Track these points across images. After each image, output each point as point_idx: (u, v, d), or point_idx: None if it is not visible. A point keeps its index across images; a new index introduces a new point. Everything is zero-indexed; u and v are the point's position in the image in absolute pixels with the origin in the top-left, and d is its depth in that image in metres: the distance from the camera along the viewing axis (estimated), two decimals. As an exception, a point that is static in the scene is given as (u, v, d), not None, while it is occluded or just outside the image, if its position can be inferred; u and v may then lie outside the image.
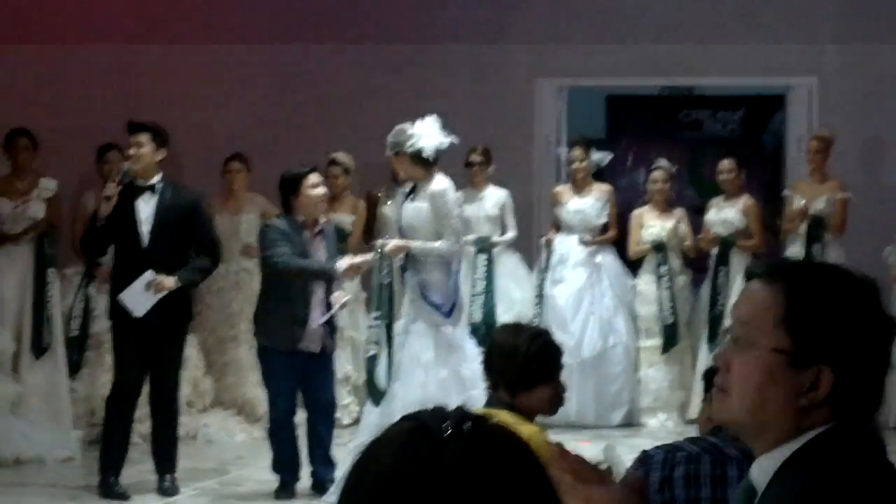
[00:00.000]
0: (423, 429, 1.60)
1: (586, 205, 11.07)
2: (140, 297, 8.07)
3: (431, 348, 7.70)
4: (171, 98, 12.46)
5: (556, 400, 4.54)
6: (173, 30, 12.83)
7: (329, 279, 8.11)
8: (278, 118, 12.55)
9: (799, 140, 12.14)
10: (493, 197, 11.05)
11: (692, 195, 14.23)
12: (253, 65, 12.75)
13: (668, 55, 12.45)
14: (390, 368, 7.73)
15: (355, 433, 8.41)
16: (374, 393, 7.72)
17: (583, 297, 10.91)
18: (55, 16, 12.88)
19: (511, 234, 11.04)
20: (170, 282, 8.09)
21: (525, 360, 4.41)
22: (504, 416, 4.28)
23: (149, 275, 8.05)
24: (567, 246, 11.03)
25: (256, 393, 10.05)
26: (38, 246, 9.65)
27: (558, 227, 11.20)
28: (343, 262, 8.06)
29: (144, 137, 8.27)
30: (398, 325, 7.89)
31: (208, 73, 12.75)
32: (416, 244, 7.74)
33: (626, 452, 6.37)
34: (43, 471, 8.99)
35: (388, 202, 10.46)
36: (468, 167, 10.86)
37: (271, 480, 8.27)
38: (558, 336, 10.61)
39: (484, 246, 10.55)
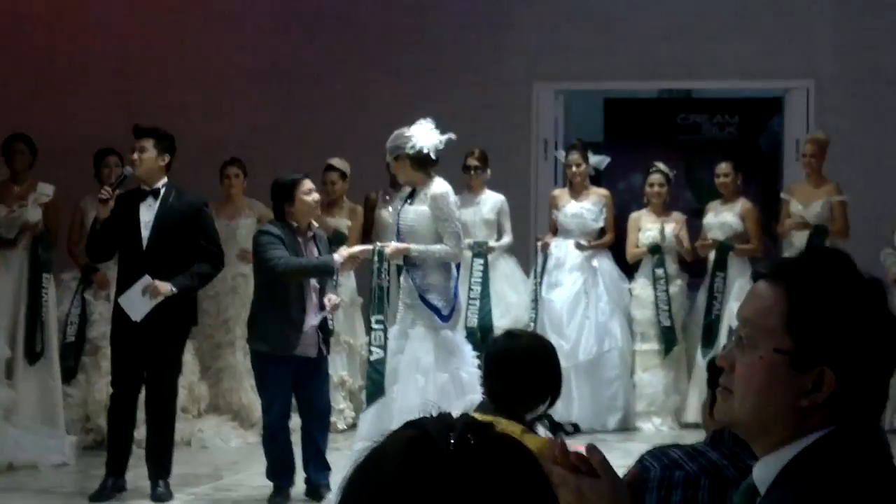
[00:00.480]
0: (426, 437, 1.59)
1: (584, 209, 11.05)
2: (138, 302, 8.05)
3: (431, 352, 7.68)
4: (169, 103, 12.46)
5: (553, 401, 4.52)
6: (172, 35, 12.82)
7: (330, 273, 8.10)
8: (276, 123, 12.55)
9: (796, 143, 12.13)
10: (490, 201, 11.02)
11: (690, 199, 14.22)
12: (251, 70, 12.74)
13: (665, 58, 12.44)
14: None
15: (350, 438, 8.39)
16: (375, 395, 7.68)
17: (579, 301, 10.90)
18: (54, 21, 12.88)
19: (507, 238, 11.01)
20: (165, 287, 8.05)
21: (527, 371, 4.37)
22: (505, 425, 4.28)
23: (145, 279, 8.03)
24: (564, 250, 11.01)
25: (251, 398, 10.03)
26: (33, 251, 9.62)
27: (555, 230, 11.18)
28: (341, 254, 8.01)
29: (148, 142, 8.27)
30: (393, 330, 7.88)
31: (207, 78, 12.74)
32: (416, 247, 7.72)
33: (620, 457, 6.38)
34: (37, 477, 8.97)
35: (388, 207, 10.45)
36: (465, 171, 10.83)
37: (266, 486, 8.24)
38: (554, 340, 10.67)
39: (480, 251, 10.52)
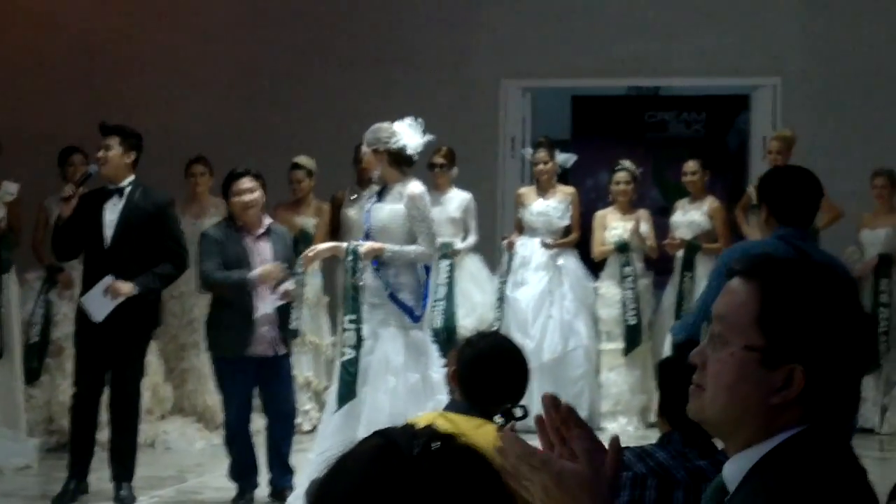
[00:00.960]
0: (392, 446, 1.61)
1: (550, 207, 11.03)
2: (99, 302, 7.98)
3: (402, 352, 7.63)
4: (134, 101, 12.39)
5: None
6: (137, 33, 12.75)
7: (245, 288, 7.98)
8: (242, 121, 12.50)
9: (763, 140, 12.14)
10: (457, 199, 10.99)
11: (657, 196, 14.23)
12: (217, 67, 12.68)
13: (633, 56, 12.45)
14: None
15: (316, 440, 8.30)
16: (347, 396, 7.61)
17: (544, 299, 10.88)
18: (15, 16, 12.79)
19: (472, 239, 10.99)
20: (126, 287, 7.99)
21: (503, 372, 4.49)
22: (478, 424, 4.36)
23: (107, 279, 7.96)
24: (529, 248, 10.99)
25: (216, 400, 9.94)
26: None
27: (521, 229, 11.15)
28: (256, 271, 7.92)
29: (114, 140, 8.21)
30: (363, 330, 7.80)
31: (171, 76, 12.68)
32: (391, 247, 7.66)
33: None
34: (-1, 479, 8.90)
35: (354, 205, 10.39)
36: (431, 169, 10.78)
37: (230, 488, 8.20)
38: (519, 339, 10.66)
39: (447, 252, 10.48)
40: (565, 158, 11.20)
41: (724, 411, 2.19)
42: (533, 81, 12.90)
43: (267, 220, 8.15)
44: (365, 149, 7.82)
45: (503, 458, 2.14)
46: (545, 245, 10.94)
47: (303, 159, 11.02)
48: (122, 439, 8.21)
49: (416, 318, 7.73)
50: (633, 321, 10.81)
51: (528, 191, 11.30)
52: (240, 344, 7.93)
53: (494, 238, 11.52)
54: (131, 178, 8.24)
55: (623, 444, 3.89)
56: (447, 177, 11.01)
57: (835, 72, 12.29)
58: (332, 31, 12.68)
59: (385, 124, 7.79)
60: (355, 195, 10.63)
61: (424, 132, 7.80)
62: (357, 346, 7.62)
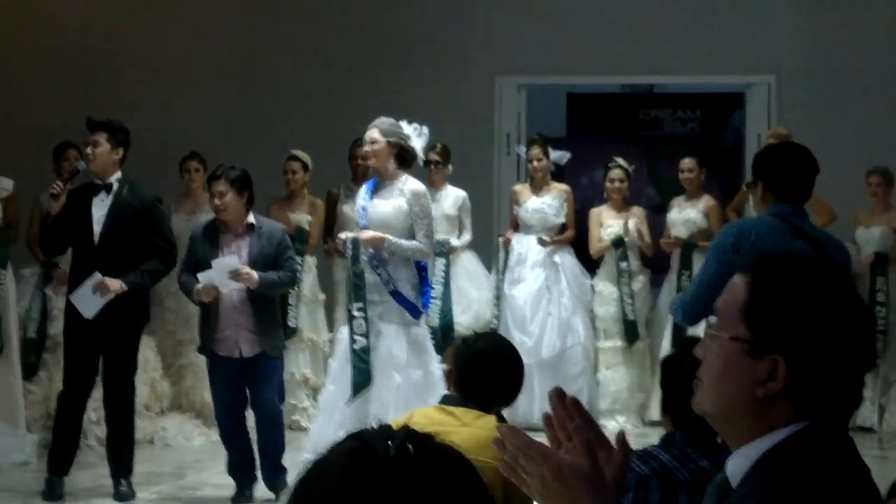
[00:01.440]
0: (367, 449, 1.61)
1: (544, 204, 11.03)
2: (89, 299, 7.99)
3: (405, 349, 7.65)
4: (129, 96, 12.39)
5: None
6: (133, 29, 12.75)
7: (192, 299, 8.11)
8: (236, 117, 12.51)
9: (758, 138, 12.16)
10: (451, 197, 10.99)
11: (652, 194, 14.25)
12: (211, 63, 12.69)
13: (628, 53, 12.47)
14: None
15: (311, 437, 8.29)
16: (363, 384, 7.62)
17: (541, 297, 10.88)
18: (10, 12, 12.78)
19: (467, 236, 11.00)
20: (115, 284, 7.99)
21: (501, 372, 4.61)
22: (476, 416, 4.48)
23: (96, 277, 7.96)
24: (525, 246, 11.00)
25: (213, 396, 9.98)
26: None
27: (516, 226, 11.17)
28: (200, 284, 7.84)
29: (101, 136, 8.18)
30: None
31: (168, 73, 12.68)
32: (392, 239, 7.68)
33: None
34: (-2, 475, 8.90)
35: (349, 201, 10.39)
36: (426, 166, 10.75)
37: (229, 485, 8.18)
38: (517, 336, 10.65)
39: (442, 250, 10.50)
40: (559, 156, 11.22)
41: (716, 403, 2.22)
42: (528, 78, 12.91)
43: (251, 219, 8.02)
44: (377, 137, 7.76)
45: (501, 450, 2.16)
46: (541, 242, 10.95)
47: (299, 152, 11.03)
48: (119, 435, 8.22)
49: (417, 315, 7.76)
50: (630, 317, 10.83)
51: (522, 188, 11.31)
52: (210, 341, 7.99)
53: (490, 235, 11.53)
54: (118, 174, 8.22)
55: (651, 447, 3.91)
56: (442, 174, 11.02)
57: (829, 70, 12.30)
58: (327, 28, 12.68)
59: (394, 121, 7.83)
60: (350, 192, 10.63)
61: (427, 139, 7.88)
62: (368, 333, 7.64)
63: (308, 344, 10.76)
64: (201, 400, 10.43)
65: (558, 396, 2.19)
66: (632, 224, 10.97)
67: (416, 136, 7.82)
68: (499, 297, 10.88)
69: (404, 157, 7.79)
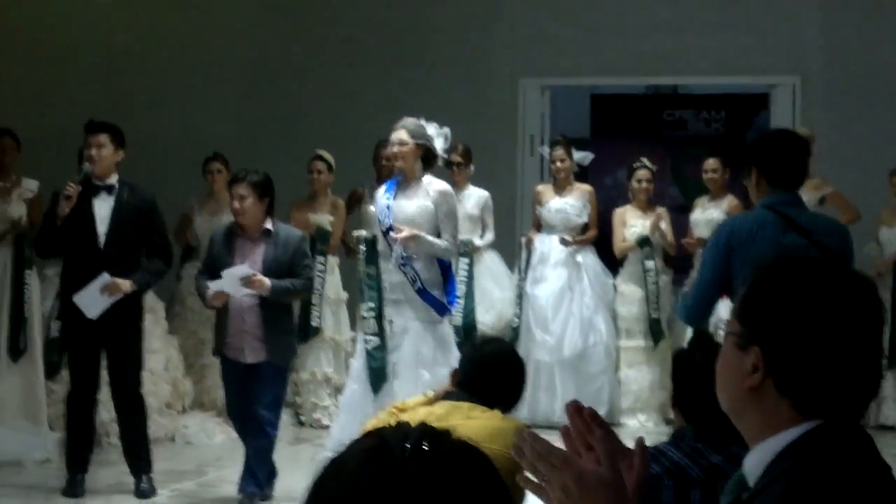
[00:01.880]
0: (383, 447, 1.61)
1: (567, 204, 11.04)
2: (94, 299, 8.03)
3: (432, 346, 7.65)
4: (153, 97, 12.44)
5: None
6: (156, 28, 12.79)
7: (206, 304, 8.04)
8: (261, 118, 12.54)
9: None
10: (474, 197, 11.01)
11: (676, 194, 14.22)
12: (236, 64, 12.72)
13: (652, 54, 12.45)
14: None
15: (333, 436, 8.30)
16: (379, 380, 7.64)
17: (563, 296, 10.90)
18: (36, 12, 12.84)
19: (490, 236, 11.02)
20: (126, 285, 8.04)
21: (505, 377, 4.78)
22: (481, 412, 4.58)
23: (104, 277, 7.99)
24: (548, 245, 11.01)
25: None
26: (16, 247, 9.56)
27: (539, 226, 11.17)
28: (212, 291, 7.74)
29: (105, 138, 8.24)
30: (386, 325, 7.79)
31: (190, 74, 12.71)
32: (426, 236, 7.68)
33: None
34: (20, 473, 8.93)
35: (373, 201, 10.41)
36: (448, 167, 10.77)
37: (249, 482, 8.18)
38: (539, 335, 10.64)
39: (466, 250, 10.50)
40: (582, 157, 11.23)
41: (722, 399, 2.28)
42: (552, 80, 12.90)
43: (268, 225, 7.88)
44: (406, 138, 7.75)
45: (520, 456, 2.15)
46: (564, 242, 10.95)
47: (323, 152, 11.06)
48: (134, 432, 8.29)
49: (444, 312, 7.77)
50: (656, 314, 10.83)
51: (545, 188, 11.32)
52: (220, 343, 7.94)
53: (513, 235, 11.53)
54: (116, 175, 8.29)
55: (661, 444, 3.91)
56: (465, 174, 11.03)
57: (854, 70, 12.26)
58: (351, 30, 12.70)
59: (419, 121, 7.84)
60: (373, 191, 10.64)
61: (448, 139, 7.89)
62: (379, 332, 7.65)
63: (330, 343, 10.79)
64: (223, 398, 10.44)
65: (576, 409, 2.19)
66: (664, 225, 10.98)
67: (438, 137, 7.83)
68: (521, 297, 10.89)
69: (430, 157, 7.81)
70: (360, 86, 12.51)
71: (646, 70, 12.77)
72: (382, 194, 7.94)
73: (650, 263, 10.90)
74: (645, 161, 11.25)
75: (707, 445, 3.81)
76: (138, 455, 8.26)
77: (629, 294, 10.99)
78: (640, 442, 2.19)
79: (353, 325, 10.74)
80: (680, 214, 11.72)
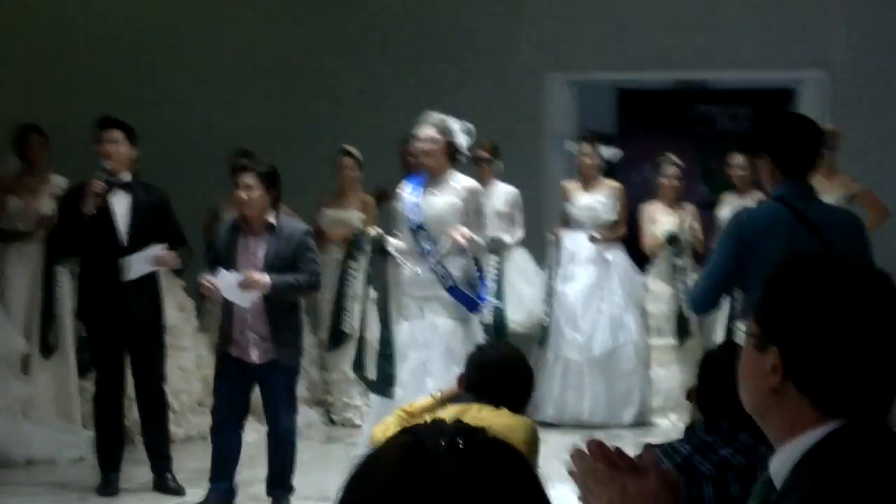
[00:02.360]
0: (418, 443, 1.62)
1: (596, 201, 11.03)
2: (138, 265, 8.14)
3: (462, 343, 7.66)
4: (181, 94, 12.48)
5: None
6: (184, 25, 12.83)
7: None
8: (287, 114, 12.56)
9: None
10: (502, 193, 11.01)
11: (703, 190, 14.19)
12: (262, 60, 12.75)
13: (679, 49, 12.43)
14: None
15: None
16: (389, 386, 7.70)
17: (593, 294, 10.87)
18: (63, 10, 12.90)
19: (519, 233, 11.02)
20: (173, 261, 8.32)
21: (512, 381, 4.99)
22: (489, 411, 4.74)
23: (156, 248, 8.15)
24: (577, 243, 10.99)
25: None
26: (47, 244, 9.61)
27: (567, 222, 11.16)
28: (207, 279, 7.55)
29: (120, 134, 8.31)
30: (416, 323, 7.80)
31: (218, 70, 12.75)
32: (476, 237, 7.70)
33: (635, 452, 6.38)
34: (54, 471, 9.00)
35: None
36: (475, 163, 10.78)
37: (280, 480, 8.20)
38: (568, 333, 10.64)
39: (495, 247, 10.51)
40: (611, 154, 11.20)
41: (745, 400, 2.29)
42: (578, 74, 12.90)
43: (272, 218, 7.60)
44: (435, 135, 7.74)
45: (571, 473, 2.19)
46: (592, 239, 10.94)
47: (350, 147, 11.07)
48: (155, 429, 8.43)
49: (475, 309, 7.79)
50: (686, 313, 10.76)
51: (573, 185, 11.29)
52: (224, 341, 7.70)
53: (540, 232, 11.54)
54: (129, 173, 8.37)
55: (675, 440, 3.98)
56: (491, 170, 11.04)
57: (881, 65, 12.22)
58: (376, 25, 12.71)
59: (444, 117, 7.84)
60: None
61: (473, 135, 7.90)
62: (385, 323, 7.72)
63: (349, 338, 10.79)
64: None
65: (598, 447, 2.21)
66: (694, 223, 10.98)
67: (462, 133, 7.82)
68: (550, 295, 10.88)
69: (455, 154, 7.82)
70: (387, 83, 12.52)
71: (673, 65, 12.75)
72: (409, 192, 7.93)
73: (679, 261, 10.87)
74: (672, 157, 11.23)
75: (717, 437, 3.89)
76: (161, 453, 8.34)
77: (659, 291, 10.96)
78: (647, 449, 2.23)
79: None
80: (707, 210, 11.69)
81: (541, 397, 10.72)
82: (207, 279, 7.52)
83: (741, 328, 9.41)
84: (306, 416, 10.65)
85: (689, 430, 4.05)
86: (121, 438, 8.46)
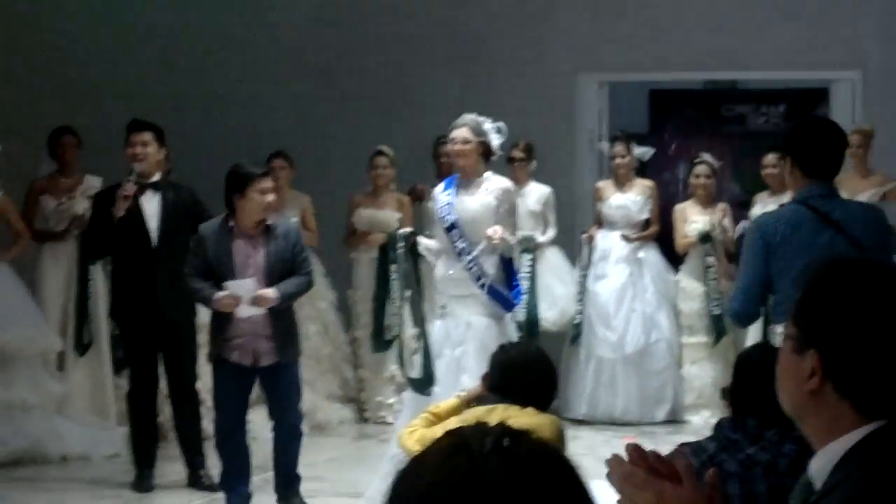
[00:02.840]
0: (463, 445, 1.64)
1: (628, 200, 11.03)
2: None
3: (496, 340, 7.66)
4: (215, 95, 12.53)
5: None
6: (219, 27, 12.88)
7: (210, 307, 7.49)
8: (321, 114, 12.58)
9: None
10: (536, 193, 11.04)
11: (736, 190, 14.18)
12: (296, 61, 12.78)
13: (710, 49, 12.41)
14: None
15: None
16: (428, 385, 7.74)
17: (625, 292, 10.88)
18: (98, 11, 12.97)
19: (552, 232, 11.03)
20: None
21: (535, 381, 5.06)
22: (516, 410, 4.81)
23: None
24: (609, 241, 11.01)
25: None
26: (81, 243, 9.69)
27: (600, 222, 11.17)
28: (219, 294, 7.29)
29: (149, 136, 8.40)
30: (448, 322, 7.82)
31: (253, 70, 12.80)
32: (508, 236, 7.73)
33: (669, 450, 6.39)
34: (89, 468, 9.06)
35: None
36: (510, 163, 10.81)
37: (312, 477, 8.18)
38: (601, 332, 10.65)
39: (528, 246, 10.53)
40: (642, 152, 11.21)
41: (784, 402, 2.30)
42: (610, 75, 12.88)
43: (270, 218, 7.48)
44: (470, 136, 7.72)
45: (609, 479, 2.20)
46: (625, 238, 10.95)
47: (385, 147, 11.10)
48: (188, 426, 8.47)
49: (510, 307, 7.82)
50: (717, 311, 10.74)
51: (606, 185, 11.31)
52: (220, 347, 7.48)
53: (573, 232, 11.54)
54: (159, 173, 8.46)
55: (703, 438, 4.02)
56: (526, 170, 11.06)
57: (915, 65, 12.18)
58: (410, 27, 12.73)
59: (477, 118, 7.85)
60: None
61: (505, 136, 7.91)
62: (419, 324, 7.75)
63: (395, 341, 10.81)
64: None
65: (636, 452, 2.22)
66: (727, 222, 10.96)
67: (494, 132, 7.84)
68: (582, 293, 10.89)
69: (489, 154, 7.84)
70: (419, 83, 12.54)
71: (704, 65, 12.73)
72: (442, 192, 7.95)
73: (711, 260, 10.86)
74: (706, 156, 11.21)
75: (743, 435, 3.93)
76: (195, 450, 8.41)
77: (691, 290, 10.95)
78: (680, 452, 2.23)
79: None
80: (740, 210, 11.68)
81: (573, 395, 10.76)
82: (227, 295, 7.26)
83: (777, 331, 9.41)
84: (339, 413, 10.70)
85: (717, 427, 4.09)
86: (155, 435, 8.55)
